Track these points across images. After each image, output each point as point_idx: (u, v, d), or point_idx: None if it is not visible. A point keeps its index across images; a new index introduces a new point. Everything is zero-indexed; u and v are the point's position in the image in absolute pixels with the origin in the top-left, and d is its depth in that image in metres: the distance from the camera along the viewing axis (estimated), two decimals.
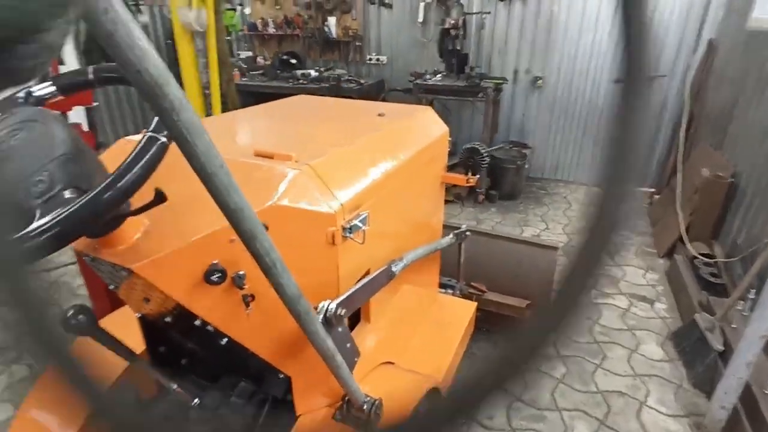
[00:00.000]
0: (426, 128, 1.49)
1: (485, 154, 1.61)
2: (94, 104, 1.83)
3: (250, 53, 5.78)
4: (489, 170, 4.33)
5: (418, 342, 1.59)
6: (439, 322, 1.72)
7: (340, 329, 0.86)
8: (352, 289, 0.87)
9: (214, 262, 0.86)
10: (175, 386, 1.10)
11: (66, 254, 3.35)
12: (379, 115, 1.42)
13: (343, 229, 0.95)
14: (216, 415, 1.15)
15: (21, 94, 0.87)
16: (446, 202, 4.35)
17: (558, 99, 4.60)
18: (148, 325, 1.23)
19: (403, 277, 1.45)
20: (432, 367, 1.47)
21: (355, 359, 0.98)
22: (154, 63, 0.36)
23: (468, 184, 1.56)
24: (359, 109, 1.55)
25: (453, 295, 1.97)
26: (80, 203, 0.58)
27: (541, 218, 4.07)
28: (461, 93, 4.17)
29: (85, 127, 1.90)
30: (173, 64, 2.44)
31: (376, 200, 1.10)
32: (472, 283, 2.34)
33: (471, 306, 1.84)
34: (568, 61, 4.45)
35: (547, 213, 4.18)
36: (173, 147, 0.53)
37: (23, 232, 0.57)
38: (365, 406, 1.03)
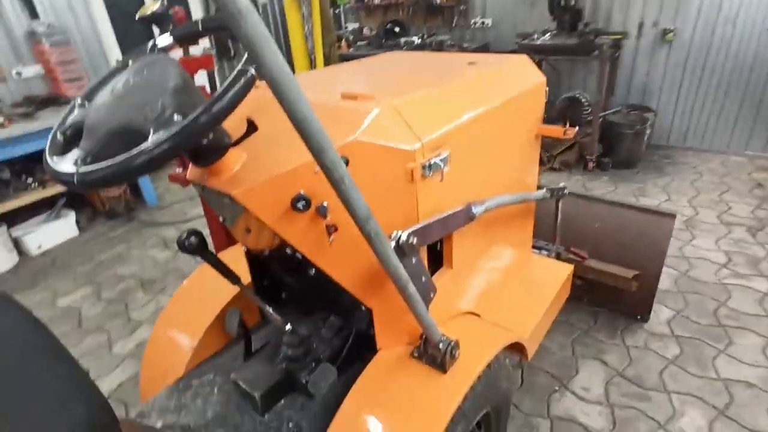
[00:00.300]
0: (520, 77, 1.40)
1: (586, 105, 1.46)
2: (215, 68, 2.06)
3: (357, 25, 5.93)
4: (602, 136, 3.96)
5: (506, 298, 1.55)
6: (530, 281, 1.65)
7: (414, 260, 0.88)
8: (427, 221, 0.88)
9: (301, 192, 0.93)
10: (270, 309, 1.23)
11: (198, 208, 3.85)
12: (470, 63, 1.37)
13: (423, 167, 0.96)
14: (306, 341, 1.26)
15: (148, 45, 1.01)
16: (552, 170, 4.10)
17: (693, 53, 3.98)
18: (252, 259, 1.38)
19: (493, 232, 1.43)
20: (518, 325, 1.43)
21: (431, 295, 0.99)
22: (252, 20, 0.47)
23: (565, 137, 1.45)
24: (449, 60, 1.51)
25: (548, 256, 1.87)
26: (183, 124, 0.67)
27: (662, 189, 3.63)
28: (573, 52, 3.81)
29: (208, 89, 2.14)
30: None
31: (459, 143, 1.08)
32: (572, 248, 2.20)
33: (566, 268, 1.73)
34: (710, 8, 3.81)
35: (670, 184, 3.71)
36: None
37: (143, 146, 0.68)
38: (441, 345, 1.05)
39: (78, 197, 3.93)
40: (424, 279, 0.93)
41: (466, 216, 0.99)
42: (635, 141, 3.88)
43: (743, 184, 3.59)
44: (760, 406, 1.82)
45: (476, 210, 1.03)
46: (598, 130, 3.81)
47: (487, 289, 1.49)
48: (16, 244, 3.42)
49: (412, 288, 0.87)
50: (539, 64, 4.39)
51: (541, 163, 4.23)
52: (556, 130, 1.46)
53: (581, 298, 2.42)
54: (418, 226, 0.85)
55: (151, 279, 3.05)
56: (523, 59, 1.48)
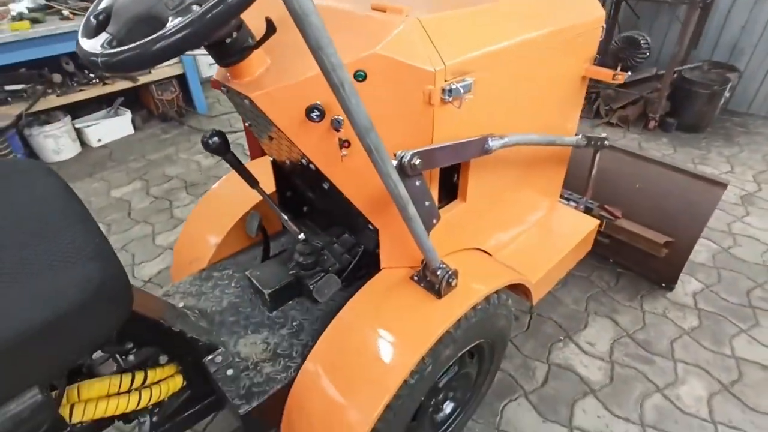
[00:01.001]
0: (573, 7, 1.29)
1: (645, 47, 1.32)
2: None
3: None
4: (672, 93, 3.63)
5: (521, 242, 1.55)
6: (550, 229, 1.63)
7: (418, 183, 0.88)
8: (434, 146, 0.87)
9: (317, 102, 0.94)
10: (286, 217, 1.29)
11: (240, 123, 3.95)
12: None
13: (443, 90, 0.93)
14: (317, 251, 1.33)
15: None
16: (609, 125, 3.84)
17: None
18: (278, 169, 1.43)
19: (518, 173, 1.39)
20: (527, 268, 1.43)
21: (434, 221, 1.01)
22: None
23: (615, 81, 1.34)
24: None
25: (577, 208, 1.81)
26: (200, 11, 0.68)
27: (726, 159, 3.34)
28: None
29: None
30: None
31: (489, 72, 1.03)
32: (606, 206, 2.12)
33: (591, 223, 1.68)
34: None
35: (737, 154, 3.40)
36: None
37: (160, 32, 0.70)
38: (439, 272, 1.08)
39: (135, 98, 4.11)
40: (427, 203, 0.94)
41: (480, 148, 0.97)
42: (709, 103, 3.53)
43: None
44: None
45: (493, 143, 1.00)
46: (668, 86, 3.49)
47: (503, 229, 1.48)
48: (79, 135, 3.67)
49: (412, 210, 0.89)
50: (617, 4, 3.98)
51: (598, 116, 3.98)
52: (605, 73, 1.36)
53: (608, 258, 2.37)
54: (424, 148, 0.85)
55: (195, 182, 3.23)
56: None
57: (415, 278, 1.16)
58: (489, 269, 1.31)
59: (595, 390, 1.79)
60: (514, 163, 1.33)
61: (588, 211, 2.14)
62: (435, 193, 1.09)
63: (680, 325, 2.06)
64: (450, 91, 0.94)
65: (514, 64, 1.10)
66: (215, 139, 1.12)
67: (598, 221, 1.68)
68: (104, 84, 3.62)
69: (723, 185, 1.91)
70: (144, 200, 3.07)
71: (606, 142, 1.58)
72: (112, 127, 3.83)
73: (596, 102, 3.95)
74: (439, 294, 1.10)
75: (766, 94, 3.84)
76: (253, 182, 1.27)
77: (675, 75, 3.67)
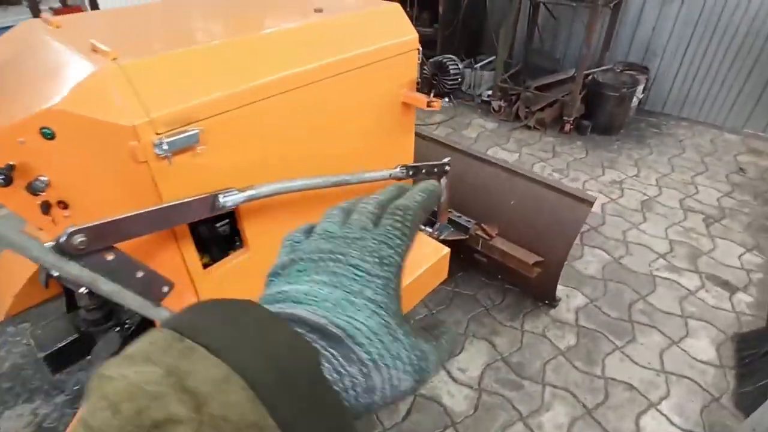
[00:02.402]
0: (377, 30, 1.18)
1: (454, 73, 1.23)
2: None
3: None
4: (587, 96, 3.62)
5: None
6: None
7: (109, 258, 0.76)
8: (110, 218, 0.75)
9: (10, 163, 0.80)
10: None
11: None
12: (316, 11, 1.15)
13: (155, 145, 0.81)
14: (103, 303, 1.19)
15: None
16: (527, 128, 3.81)
17: (708, 9, 3.48)
18: None
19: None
20: None
21: (164, 289, 0.89)
22: None
23: (430, 108, 1.25)
24: (290, 3, 1.28)
25: (430, 235, 1.73)
26: None
27: (635, 162, 3.35)
28: None
29: None
30: None
31: (238, 116, 0.91)
32: (483, 225, 2.05)
33: (439, 250, 1.60)
34: None
35: (645, 157, 3.42)
36: None
37: None
38: None
39: None
40: (139, 275, 0.82)
41: (207, 208, 0.85)
42: (619, 105, 3.53)
43: (724, 167, 3.28)
44: (631, 411, 1.76)
45: (229, 199, 0.89)
46: (580, 88, 3.47)
47: None
48: None
49: (109, 287, 0.77)
50: (536, 8, 3.93)
51: (518, 119, 3.94)
52: (420, 100, 1.26)
53: (496, 274, 2.32)
54: (91, 223, 0.73)
55: None
56: (393, 8, 1.24)
57: None
58: None
59: (457, 422, 1.73)
60: (323, 200, 1.23)
61: (464, 230, 2.08)
62: (189, 250, 0.97)
63: (557, 344, 2.02)
64: (166, 144, 0.81)
65: (281, 102, 0.99)
66: None
67: (447, 249, 1.60)
68: None
69: (589, 203, 1.86)
70: None
71: (448, 167, 1.49)
72: None
73: (516, 104, 3.92)
74: None
75: (678, 94, 3.88)
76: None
77: (589, 77, 3.66)
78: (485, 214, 2.08)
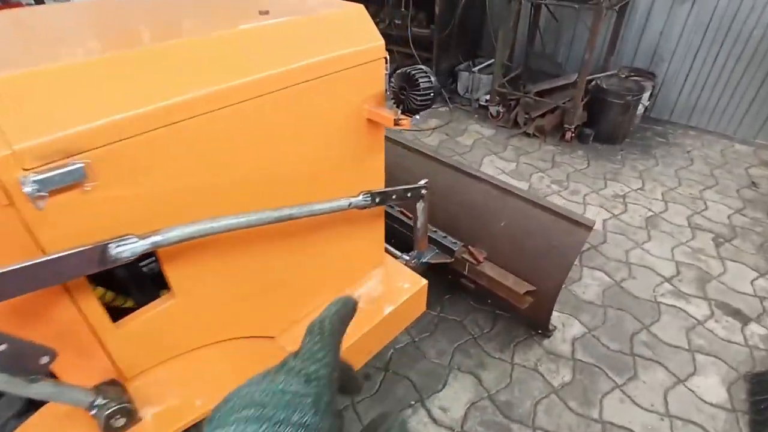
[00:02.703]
0: (336, 36, 1.00)
1: (425, 88, 1.05)
2: None
3: None
4: (589, 102, 3.43)
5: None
6: (359, 296, 1.35)
7: None
8: None
9: None
10: None
11: None
12: (261, 13, 0.97)
13: (23, 183, 0.63)
14: None
15: None
16: (526, 135, 3.61)
17: (719, 14, 3.28)
18: None
19: (287, 249, 1.11)
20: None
21: (45, 360, 0.71)
22: None
23: (398, 127, 1.07)
24: (232, 5, 1.09)
25: (407, 264, 1.55)
26: None
27: (639, 175, 3.15)
28: None
29: None
30: None
31: (146, 144, 0.74)
32: (471, 248, 1.87)
33: (417, 282, 1.41)
34: None
35: (651, 169, 3.22)
36: None
37: None
38: (95, 412, 0.79)
39: None
40: (3, 347, 0.65)
41: (88, 262, 0.68)
42: (624, 113, 3.34)
43: (734, 180, 3.08)
44: None
45: (122, 249, 0.71)
46: (582, 95, 3.28)
47: (287, 306, 1.21)
48: None
49: None
50: (537, 9, 3.74)
51: (516, 125, 3.74)
52: (386, 118, 1.08)
53: (485, 299, 2.13)
54: None
55: None
56: (356, 11, 1.06)
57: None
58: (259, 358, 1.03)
59: None
60: (271, 229, 1.04)
61: (449, 252, 1.89)
62: (90, 305, 0.79)
63: (550, 380, 1.84)
64: (34, 183, 0.64)
65: (204, 124, 0.81)
66: None
67: (425, 281, 1.42)
68: None
69: (588, 227, 1.67)
70: None
71: (423, 191, 1.31)
72: None
73: (515, 110, 3.73)
74: None
75: (686, 102, 3.67)
76: None
77: (592, 83, 3.47)
78: (473, 235, 1.89)
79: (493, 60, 3.84)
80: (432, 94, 1.04)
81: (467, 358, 1.92)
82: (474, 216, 1.91)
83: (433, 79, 1.04)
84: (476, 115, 3.97)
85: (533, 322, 1.97)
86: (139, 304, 0.95)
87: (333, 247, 1.23)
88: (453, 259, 1.88)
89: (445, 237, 1.92)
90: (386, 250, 1.52)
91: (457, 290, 2.15)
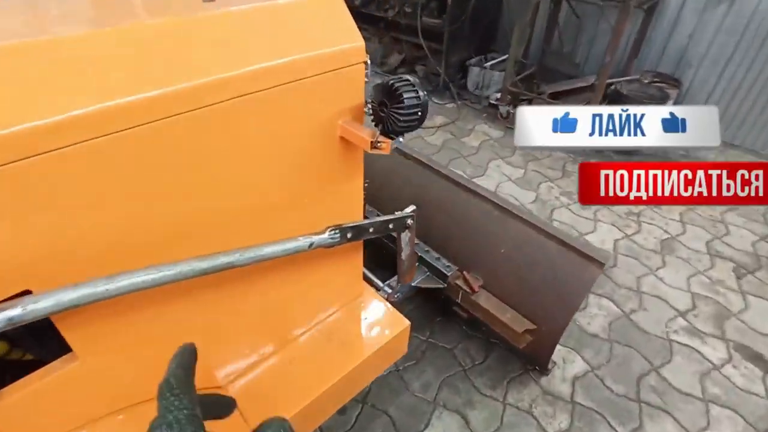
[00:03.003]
0: (301, 33, 0.79)
1: (410, 105, 0.85)
2: None
3: None
4: None
5: (277, 366, 1.08)
6: (330, 339, 1.16)
7: None
8: None
9: None
10: None
11: None
12: (205, 1, 0.76)
13: None
14: None
15: None
16: None
17: (757, 19, 3.00)
18: None
19: (236, 288, 0.91)
20: (265, 408, 0.97)
21: None
22: None
23: (377, 151, 0.87)
24: None
25: (388, 298, 1.35)
26: None
27: None
28: None
29: None
30: None
31: (40, 166, 0.54)
32: (466, 273, 1.67)
33: (398, 324, 1.22)
34: None
35: None
36: None
37: None
38: None
39: None
40: None
41: None
42: None
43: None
44: None
45: (14, 313, 0.52)
46: (599, 100, 3.03)
47: (242, 351, 1.02)
48: None
49: None
50: (557, 4, 3.47)
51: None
52: (362, 138, 0.87)
53: (479, 326, 1.94)
54: None
55: None
56: (329, 2, 0.84)
57: None
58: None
59: None
60: (228, 279, 0.84)
61: (442, 276, 1.69)
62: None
63: (545, 426, 1.65)
64: None
65: (112, 145, 0.60)
66: None
67: (407, 323, 1.22)
68: None
69: (600, 264, 1.46)
70: None
71: (410, 221, 1.10)
72: None
73: None
74: None
75: None
76: None
77: (611, 87, 3.22)
78: (469, 258, 1.69)
79: (506, 56, 3.59)
80: (419, 113, 0.83)
81: (455, 395, 1.73)
82: (471, 237, 1.71)
83: (421, 93, 0.82)
84: (485, 114, 3.73)
85: (530, 358, 1.78)
86: (40, 359, 0.76)
87: (294, 288, 1.04)
88: (446, 285, 1.68)
89: (438, 259, 1.72)
90: (365, 277, 1.33)
91: (450, 313, 1.96)
